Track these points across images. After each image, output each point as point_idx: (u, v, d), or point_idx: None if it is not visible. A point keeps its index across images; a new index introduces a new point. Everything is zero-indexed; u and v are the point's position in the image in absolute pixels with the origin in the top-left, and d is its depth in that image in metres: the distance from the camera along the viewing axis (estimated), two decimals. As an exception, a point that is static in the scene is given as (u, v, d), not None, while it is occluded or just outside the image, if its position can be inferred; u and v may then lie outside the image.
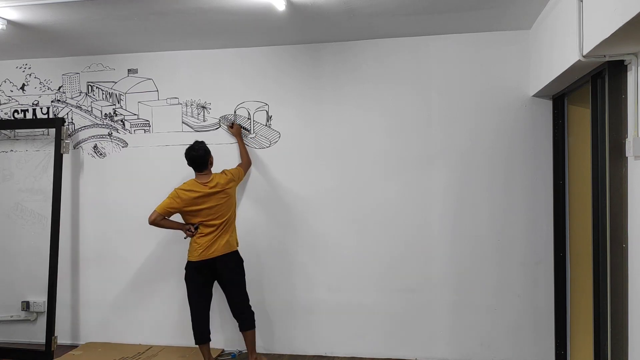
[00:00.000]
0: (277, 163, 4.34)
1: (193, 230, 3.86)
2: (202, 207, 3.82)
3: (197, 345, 3.97)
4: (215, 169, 4.26)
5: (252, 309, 3.96)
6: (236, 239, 3.98)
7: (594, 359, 3.05)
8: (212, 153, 4.45)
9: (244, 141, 4.37)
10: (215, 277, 3.94)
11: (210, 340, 3.96)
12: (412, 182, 4.15)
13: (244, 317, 3.92)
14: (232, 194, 3.95)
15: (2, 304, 4.76)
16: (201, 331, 3.91)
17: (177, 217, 3.95)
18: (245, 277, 3.99)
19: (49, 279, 4.34)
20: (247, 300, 3.98)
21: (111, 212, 4.60)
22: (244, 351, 4.34)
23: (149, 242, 4.52)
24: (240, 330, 3.94)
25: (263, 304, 4.35)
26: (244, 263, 4.00)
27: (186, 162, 3.92)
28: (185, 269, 3.94)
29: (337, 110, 4.26)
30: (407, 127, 4.16)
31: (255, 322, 3.97)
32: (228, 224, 3.89)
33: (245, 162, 4.25)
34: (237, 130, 4.32)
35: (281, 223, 4.34)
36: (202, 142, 3.97)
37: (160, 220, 3.83)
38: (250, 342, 3.93)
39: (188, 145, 3.96)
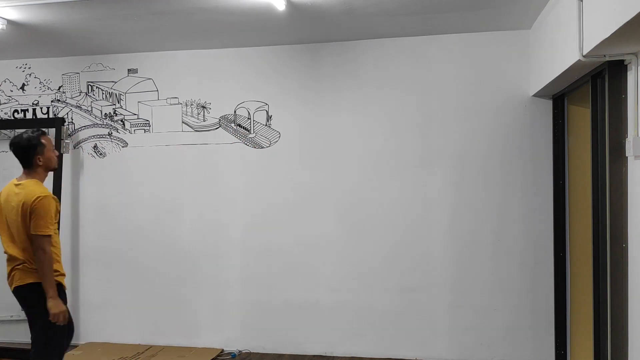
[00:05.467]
0: (277, 163, 4.33)
1: None
2: (3, 218, 2.95)
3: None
4: (217, 169, 4.27)
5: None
6: (32, 268, 2.86)
7: (594, 359, 3.05)
8: (212, 153, 4.47)
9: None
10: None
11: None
12: (412, 181, 4.15)
13: None
14: (23, 218, 2.84)
15: (2, 304, 4.75)
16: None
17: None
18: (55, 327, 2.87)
19: (49, 279, 4.33)
20: (44, 349, 2.89)
21: (111, 212, 4.60)
22: (244, 351, 4.34)
23: (149, 242, 4.52)
24: None
25: (263, 304, 4.35)
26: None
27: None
28: None
29: (337, 110, 4.25)
30: (407, 126, 4.15)
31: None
32: (23, 249, 2.86)
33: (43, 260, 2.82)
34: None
35: (281, 222, 4.34)
36: (39, 133, 2.97)
37: None
38: None
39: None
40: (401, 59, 4.16)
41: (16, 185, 2.94)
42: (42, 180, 2.99)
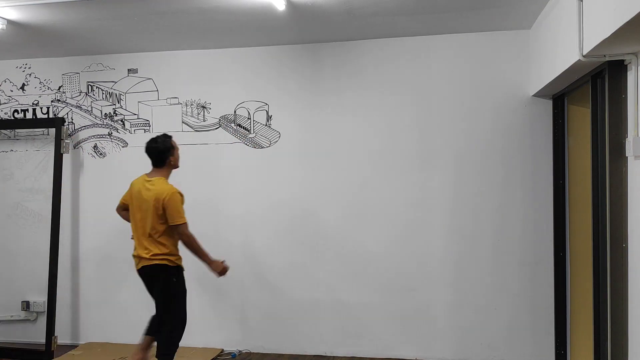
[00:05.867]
0: (277, 163, 4.33)
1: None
2: (133, 208, 3.45)
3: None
4: (217, 170, 4.27)
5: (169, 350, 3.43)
6: (164, 252, 3.37)
7: (594, 359, 3.05)
8: (213, 153, 4.47)
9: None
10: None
11: (150, 335, 3.53)
12: (413, 181, 4.15)
13: (157, 339, 3.45)
14: (156, 211, 3.32)
15: (2, 304, 4.76)
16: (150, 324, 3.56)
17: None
18: (175, 303, 3.43)
19: (49, 279, 4.33)
20: (167, 325, 3.43)
21: (111, 212, 4.56)
22: (244, 351, 4.34)
23: (149, 242, 4.52)
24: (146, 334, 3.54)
25: (263, 304, 4.35)
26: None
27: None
28: None
29: (337, 110, 4.26)
30: (407, 126, 4.15)
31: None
32: (151, 238, 3.36)
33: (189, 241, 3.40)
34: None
35: (281, 222, 4.34)
36: (169, 137, 3.50)
37: (120, 211, 3.65)
38: (146, 347, 3.50)
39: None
40: (401, 59, 4.16)
41: (147, 181, 3.43)
42: (168, 177, 3.49)
